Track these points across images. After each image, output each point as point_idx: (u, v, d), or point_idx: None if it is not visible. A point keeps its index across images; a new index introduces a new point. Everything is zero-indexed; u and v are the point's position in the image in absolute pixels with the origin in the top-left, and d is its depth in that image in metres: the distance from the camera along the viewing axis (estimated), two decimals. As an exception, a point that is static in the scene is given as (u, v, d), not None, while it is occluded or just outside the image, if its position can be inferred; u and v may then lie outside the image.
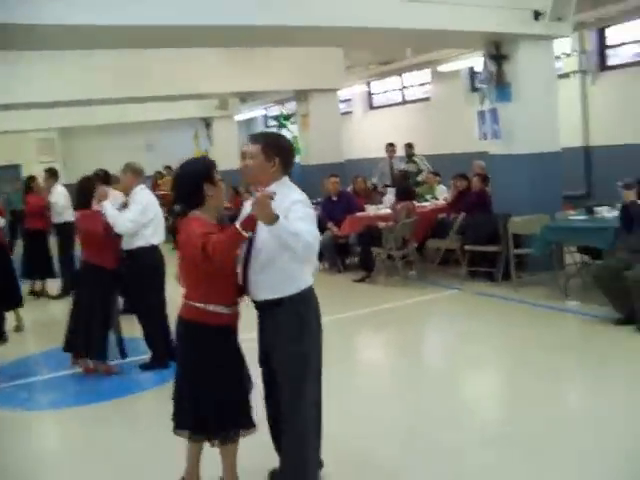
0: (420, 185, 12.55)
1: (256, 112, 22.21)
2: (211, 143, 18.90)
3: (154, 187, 15.43)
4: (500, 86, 9.41)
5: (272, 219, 3.34)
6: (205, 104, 17.90)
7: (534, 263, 9.14)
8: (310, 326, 3.80)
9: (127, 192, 6.76)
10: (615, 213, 8.11)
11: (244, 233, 3.43)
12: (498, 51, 9.40)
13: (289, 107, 20.89)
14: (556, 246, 8.69)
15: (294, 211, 3.55)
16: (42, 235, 10.70)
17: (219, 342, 3.81)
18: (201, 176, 3.80)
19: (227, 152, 18.52)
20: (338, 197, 11.26)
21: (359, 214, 10.86)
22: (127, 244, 6.66)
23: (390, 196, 11.00)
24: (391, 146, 13.72)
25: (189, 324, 3.82)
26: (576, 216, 8.55)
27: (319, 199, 12.55)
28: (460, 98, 15.39)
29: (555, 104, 9.66)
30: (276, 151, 3.76)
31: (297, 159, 16.02)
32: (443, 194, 11.84)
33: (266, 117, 23.97)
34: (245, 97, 18.46)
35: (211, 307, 3.74)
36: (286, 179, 3.81)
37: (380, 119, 18.17)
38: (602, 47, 12.67)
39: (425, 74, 16.70)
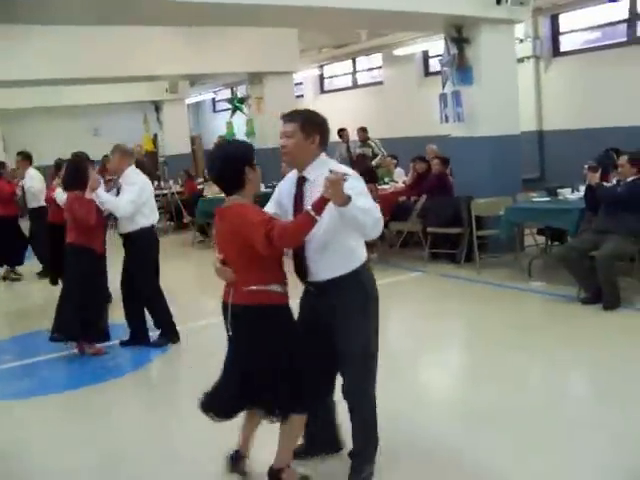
0: (376, 169, 12.56)
1: (205, 96, 21.97)
2: (161, 127, 18.63)
3: (102, 172, 15.06)
4: (461, 69, 9.46)
5: (346, 200, 3.27)
6: (155, 87, 17.61)
7: (495, 245, 9.25)
8: (373, 298, 3.79)
9: (117, 174, 6.63)
10: (577, 195, 8.27)
11: (317, 217, 3.34)
12: (459, 34, 9.44)
13: (240, 90, 20.80)
14: (517, 228, 8.81)
15: (350, 187, 3.36)
16: (12, 222, 10.34)
17: (286, 319, 3.75)
18: (244, 160, 3.66)
19: (177, 136, 18.37)
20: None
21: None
22: (124, 227, 6.58)
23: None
24: (342, 131, 13.72)
25: (251, 308, 3.65)
26: (539, 198, 8.67)
27: (274, 182, 12.50)
28: (413, 82, 15.45)
29: (516, 88, 9.77)
30: (315, 128, 3.67)
31: (252, 142, 16.06)
32: (401, 177, 11.89)
33: (214, 101, 23.73)
34: (195, 80, 18.23)
35: (272, 287, 3.64)
36: (324, 156, 3.73)
37: (331, 103, 18.06)
38: (555, 33, 12.84)
39: (377, 58, 16.71)
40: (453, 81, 9.52)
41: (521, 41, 12.55)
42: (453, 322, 7.30)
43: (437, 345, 6.61)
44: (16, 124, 19.55)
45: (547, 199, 8.48)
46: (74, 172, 6.60)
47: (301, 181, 3.69)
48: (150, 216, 6.65)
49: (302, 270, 3.71)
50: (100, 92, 16.98)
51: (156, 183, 13.42)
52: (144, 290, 6.75)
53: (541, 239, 9.31)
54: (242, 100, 14.41)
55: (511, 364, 5.78)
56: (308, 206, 3.40)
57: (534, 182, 11.46)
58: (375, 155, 13.37)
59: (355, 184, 3.46)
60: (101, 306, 6.64)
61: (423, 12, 8.57)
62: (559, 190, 8.52)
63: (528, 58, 12.59)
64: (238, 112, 14.72)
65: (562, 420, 4.66)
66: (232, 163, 3.64)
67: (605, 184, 7.18)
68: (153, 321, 6.90)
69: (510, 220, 8.36)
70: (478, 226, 8.93)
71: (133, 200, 6.40)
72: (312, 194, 3.52)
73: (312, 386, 3.74)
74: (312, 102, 18.79)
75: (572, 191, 8.45)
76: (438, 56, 14.81)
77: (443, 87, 9.75)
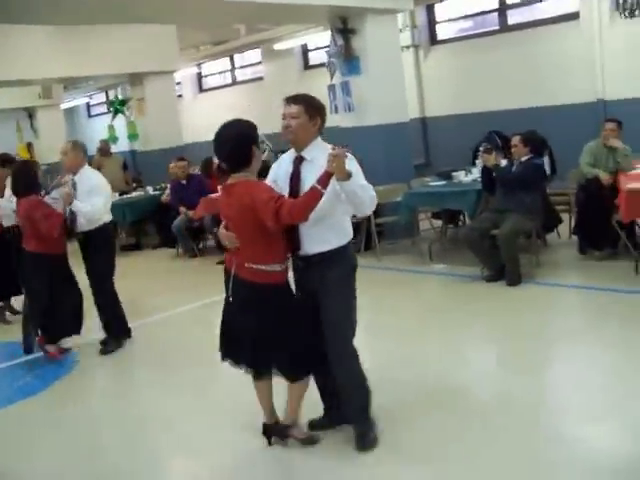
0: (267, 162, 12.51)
1: (79, 100, 21.24)
2: (36, 135, 17.86)
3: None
4: (349, 60, 9.54)
5: (347, 175, 3.56)
6: (27, 92, 16.78)
7: (392, 231, 9.39)
8: (355, 268, 4.07)
9: (73, 171, 6.38)
10: (471, 177, 8.51)
11: (323, 190, 3.58)
12: (345, 25, 9.51)
13: (114, 93, 20.23)
14: (412, 213, 8.97)
15: (348, 167, 3.62)
16: None
17: (284, 296, 3.97)
18: (252, 138, 3.87)
19: (54, 144, 17.56)
20: (188, 181, 11.05)
21: (213, 196, 10.64)
22: (88, 226, 6.38)
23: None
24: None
25: (252, 285, 3.86)
26: (434, 182, 8.86)
27: (163, 184, 12.28)
28: (294, 76, 15.47)
29: (402, 76, 9.96)
30: (317, 111, 3.93)
31: (135, 146, 15.65)
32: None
33: (89, 105, 23.00)
34: (71, 84, 17.55)
35: (274, 266, 3.86)
36: (320, 139, 3.97)
37: (211, 101, 17.92)
38: (432, 22, 13.15)
39: (257, 54, 16.63)
40: (341, 72, 9.58)
41: (400, 31, 12.79)
42: (362, 309, 7.30)
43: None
44: None
45: (442, 183, 8.68)
46: (26, 178, 6.34)
47: (299, 160, 3.92)
48: (108, 214, 6.62)
49: (294, 244, 3.93)
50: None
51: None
52: (104, 286, 6.62)
53: (437, 223, 9.50)
54: (123, 102, 14.01)
55: (430, 343, 5.89)
56: (305, 184, 3.76)
57: (421, 168, 11.71)
58: (264, 150, 13.29)
59: (352, 164, 3.72)
60: (78, 304, 6.54)
61: (308, 4, 8.59)
62: (453, 174, 8.74)
63: (407, 47, 12.83)
64: (119, 115, 14.28)
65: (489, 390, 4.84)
66: (242, 141, 3.82)
67: (500, 165, 7.39)
68: (103, 319, 6.73)
69: (409, 205, 8.51)
70: (375, 214, 9.02)
71: (105, 203, 6.44)
72: (309, 173, 3.80)
73: (311, 353, 4.00)
74: (191, 101, 18.58)
75: (465, 174, 8.67)
76: (318, 49, 15.08)
77: (331, 78, 9.81)
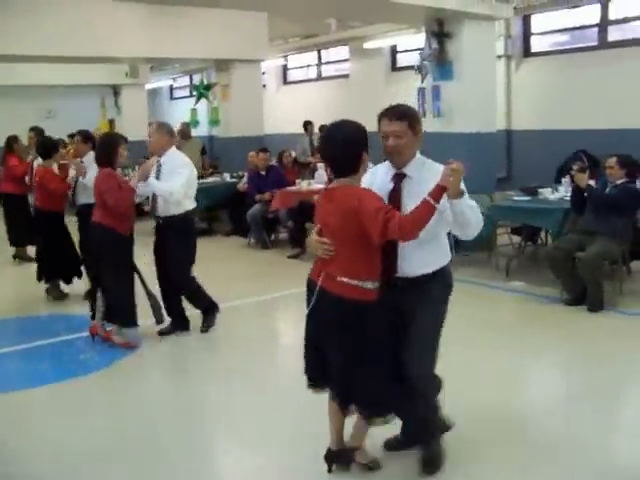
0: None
1: (163, 82, 21.49)
2: (119, 112, 18.11)
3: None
4: (442, 64, 9.35)
5: (460, 192, 3.38)
6: (114, 70, 17.06)
7: (466, 243, 9.12)
8: (451, 290, 3.85)
9: (159, 153, 6.29)
10: (557, 195, 8.24)
11: (436, 205, 3.33)
12: (441, 29, 9.33)
13: (198, 78, 20.37)
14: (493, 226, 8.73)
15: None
16: (22, 200, 9.87)
17: (374, 317, 3.57)
18: (363, 143, 3.56)
19: (136, 122, 17.84)
20: (267, 172, 11.00)
21: (290, 189, 10.61)
22: (167, 210, 6.33)
23: (321, 171, 10.77)
24: (308, 124, 13.81)
25: (341, 300, 3.53)
26: (518, 197, 8.61)
27: (240, 172, 12.28)
28: (381, 76, 15.29)
29: (494, 85, 9.74)
30: (419, 123, 3.68)
31: (215, 132, 15.72)
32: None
33: (172, 88, 23.23)
34: (158, 65, 17.75)
35: (367, 284, 3.53)
36: (418, 153, 3.73)
37: (293, 94, 17.87)
38: (527, 33, 12.82)
39: (344, 51, 16.50)
40: (433, 76, 9.40)
41: (493, 40, 12.54)
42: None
43: None
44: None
45: (527, 198, 8.43)
46: (106, 149, 6.26)
47: (399, 177, 3.64)
48: (193, 199, 6.53)
49: (391, 266, 3.63)
50: (56, 73, 16.40)
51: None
52: (184, 275, 6.49)
53: (515, 238, 9.23)
54: (208, 87, 14.03)
55: (500, 366, 5.64)
56: (407, 202, 3.51)
57: (502, 181, 11.43)
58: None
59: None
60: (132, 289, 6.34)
61: (406, 3, 8.43)
62: (539, 190, 8.48)
63: (500, 57, 12.51)
64: (202, 99, 14.30)
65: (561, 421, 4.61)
66: (353, 146, 3.53)
67: (592, 186, 7.11)
68: (197, 307, 6.73)
69: (491, 218, 8.25)
70: (453, 224, 8.83)
71: (184, 184, 6.25)
72: (411, 191, 3.56)
73: (389, 388, 3.69)
74: (274, 93, 18.56)
75: (552, 191, 8.41)
76: (407, 51, 14.88)
77: (422, 81, 9.63)
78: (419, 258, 3.60)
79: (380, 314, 3.59)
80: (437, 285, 3.69)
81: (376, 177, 3.74)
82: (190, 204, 6.47)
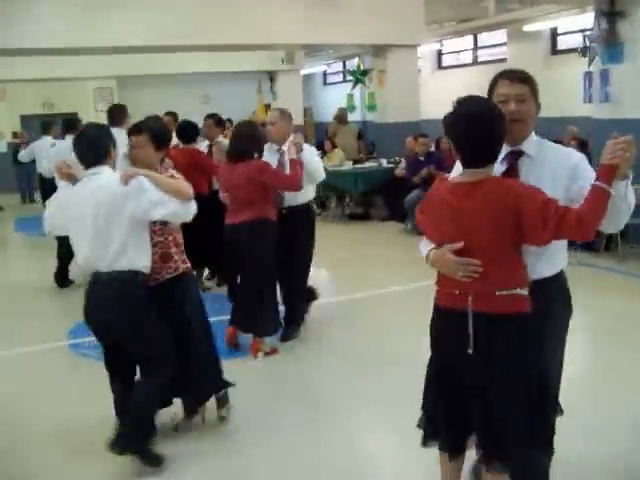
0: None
1: (317, 68, 21.75)
2: (274, 98, 18.49)
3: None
4: (612, 46, 8.94)
5: (627, 173, 2.76)
6: (270, 56, 17.45)
7: (635, 234, 8.75)
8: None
9: (281, 142, 6.05)
10: None
11: (611, 191, 2.70)
12: (612, 7, 8.91)
13: (350, 64, 20.47)
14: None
15: (585, 170, 2.96)
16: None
17: (535, 333, 2.90)
18: (505, 129, 2.88)
19: (291, 107, 18.09)
20: (426, 157, 10.96)
21: (450, 175, 10.49)
22: (295, 199, 6.05)
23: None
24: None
25: (506, 318, 2.84)
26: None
27: (397, 158, 12.28)
28: (540, 60, 14.82)
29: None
30: (538, 94, 3.08)
31: (369, 117, 15.78)
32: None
33: (325, 73, 23.47)
34: (314, 51, 17.97)
35: (523, 290, 2.88)
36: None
37: (448, 79, 17.62)
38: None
39: (501, 35, 16.12)
40: (602, 58, 9.01)
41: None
42: (602, 316, 6.81)
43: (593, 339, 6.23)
44: (131, 91, 19.86)
45: None
46: (251, 140, 5.75)
47: (516, 155, 3.03)
48: (313, 187, 6.31)
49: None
50: (213, 60, 16.95)
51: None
52: (306, 267, 6.27)
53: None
54: (365, 72, 14.07)
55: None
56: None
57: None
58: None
59: (587, 167, 3.00)
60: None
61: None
62: None
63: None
64: (359, 85, 14.37)
65: None
66: (497, 125, 2.85)
67: None
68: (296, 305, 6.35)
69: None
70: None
71: (310, 173, 5.96)
72: (530, 173, 2.96)
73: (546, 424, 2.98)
74: (429, 77, 18.37)
75: None
76: (568, 33, 14.36)
77: (589, 65, 9.26)
78: (546, 256, 2.99)
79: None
80: (561, 297, 3.14)
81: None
82: (312, 194, 6.25)
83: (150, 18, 11.24)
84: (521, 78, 3.06)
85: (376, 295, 7.46)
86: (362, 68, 14.42)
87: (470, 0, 13.31)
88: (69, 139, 8.78)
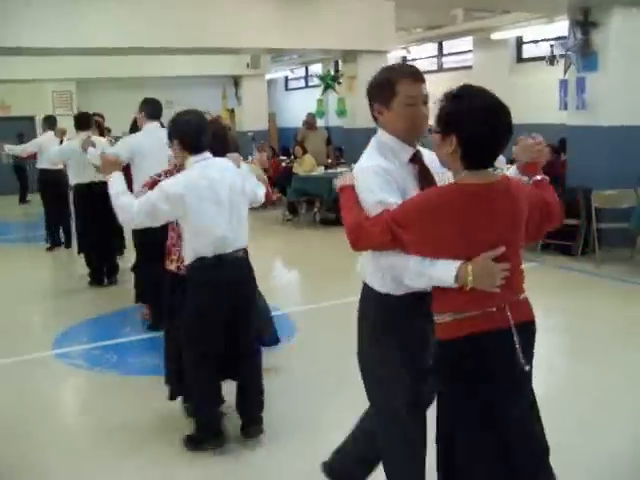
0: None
1: (280, 73, 21.70)
2: (239, 102, 18.41)
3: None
4: (586, 55, 9.10)
5: None
6: (235, 61, 17.33)
7: (606, 239, 8.89)
8: None
9: None
10: None
11: None
12: (586, 18, 9.08)
13: (312, 69, 20.49)
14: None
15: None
16: None
17: None
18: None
19: (256, 112, 18.12)
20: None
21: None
22: None
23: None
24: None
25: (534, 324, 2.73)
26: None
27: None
28: (505, 68, 15.04)
29: (640, 76, 9.38)
30: None
31: (341, 122, 15.75)
32: (501, 164, 11.57)
33: (287, 79, 23.43)
34: (278, 55, 17.91)
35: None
36: None
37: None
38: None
39: (467, 42, 16.28)
40: (577, 67, 9.16)
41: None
42: (586, 319, 6.92)
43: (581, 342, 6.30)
44: (92, 94, 19.54)
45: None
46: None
47: (418, 155, 2.94)
48: None
49: None
50: (177, 64, 16.84)
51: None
52: None
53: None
54: (335, 78, 14.05)
55: None
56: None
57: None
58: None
59: None
60: None
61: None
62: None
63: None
64: (327, 90, 14.35)
65: None
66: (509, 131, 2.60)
67: None
68: None
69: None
70: (597, 218, 8.63)
71: None
72: (430, 167, 2.89)
73: None
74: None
75: None
76: (533, 42, 14.58)
77: (565, 73, 9.42)
78: None
79: None
80: None
81: (393, 173, 2.80)
82: None
83: (117, 20, 11.08)
84: (423, 77, 2.90)
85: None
86: (332, 73, 14.39)
87: (439, 7, 13.42)
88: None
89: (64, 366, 5.93)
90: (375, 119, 2.94)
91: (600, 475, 3.87)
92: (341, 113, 14.09)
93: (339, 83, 13.93)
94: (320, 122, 16.23)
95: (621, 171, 8.98)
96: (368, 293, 2.97)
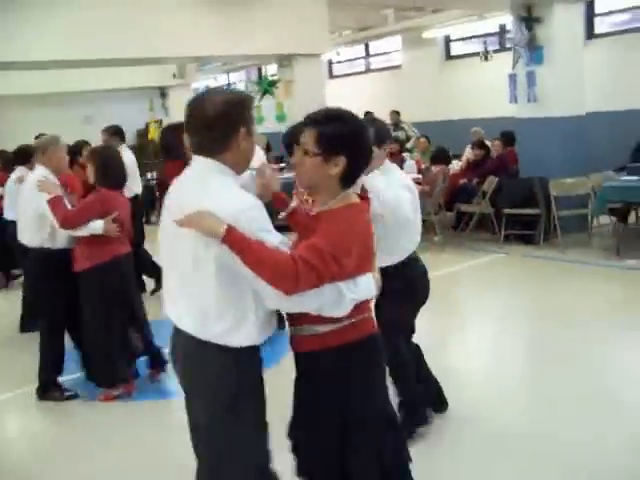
0: (412, 151, 12.46)
1: (206, 81, 21.43)
2: (166, 113, 18.12)
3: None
4: (531, 49, 9.41)
5: None
6: (161, 71, 16.98)
7: (570, 224, 9.16)
8: None
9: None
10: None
11: None
12: (530, 14, 9.39)
13: (238, 76, 20.36)
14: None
15: None
16: None
17: None
18: None
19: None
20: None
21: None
22: None
23: (410, 162, 10.81)
24: (368, 114, 13.63)
25: None
26: (625, 177, 8.71)
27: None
28: (434, 66, 15.35)
29: (582, 67, 9.73)
30: None
31: (281, 127, 15.63)
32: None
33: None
34: (204, 63, 17.66)
35: None
36: None
37: (341, 88, 17.81)
38: (590, 16, 12.82)
39: (395, 42, 16.51)
40: (526, 61, 9.46)
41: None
42: (562, 300, 7.09)
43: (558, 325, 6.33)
44: (6, 112, 18.71)
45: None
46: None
47: None
48: None
49: None
50: (98, 77, 16.30)
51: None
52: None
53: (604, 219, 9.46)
54: (273, 83, 13.93)
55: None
56: None
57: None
58: (409, 138, 13.31)
59: None
60: None
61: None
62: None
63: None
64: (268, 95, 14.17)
65: None
66: None
67: None
68: None
69: (606, 199, 8.39)
70: (556, 206, 8.91)
71: None
72: None
73: None
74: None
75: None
76: (460, 40, 14.95)
77: (513, 67, 9.70)
78: None
79: None
80: None
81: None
82: None
83: (35, 33, 10.31)
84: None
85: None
86: (269, 78, 14.27)
87: (370, 8, 13.57)
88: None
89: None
90: None
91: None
92: (280, 118, 14.01)
93: (276, 88, 13.79)
94: (260, 128, 16.11)
95: (573, 159, 9.32)
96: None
